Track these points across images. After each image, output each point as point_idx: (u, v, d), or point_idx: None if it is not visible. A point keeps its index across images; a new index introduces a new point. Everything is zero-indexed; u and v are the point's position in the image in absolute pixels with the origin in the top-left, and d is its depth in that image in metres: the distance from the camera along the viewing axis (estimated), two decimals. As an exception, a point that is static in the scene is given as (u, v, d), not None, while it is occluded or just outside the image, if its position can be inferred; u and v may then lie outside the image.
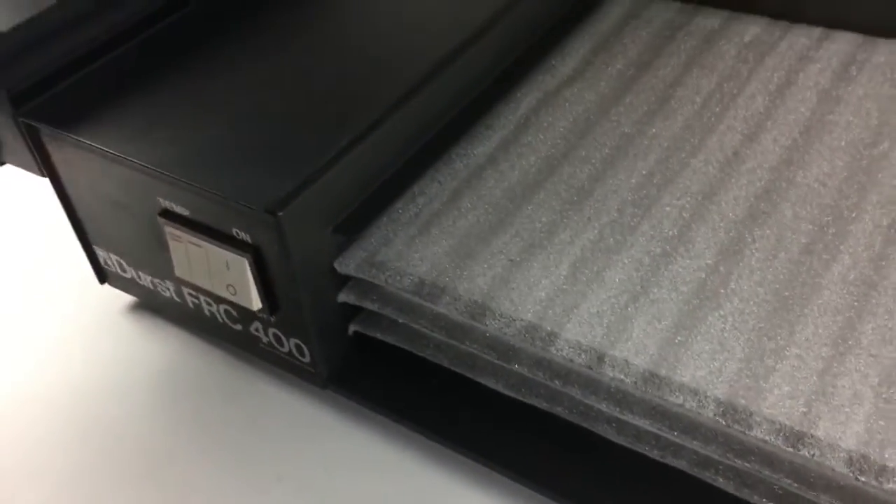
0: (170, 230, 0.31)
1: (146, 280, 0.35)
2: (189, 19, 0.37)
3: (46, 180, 0.34)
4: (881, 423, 0.23)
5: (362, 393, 0.32)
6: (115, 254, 0.35)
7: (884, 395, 0.24)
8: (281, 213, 0.27)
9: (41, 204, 0.43)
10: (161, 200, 0.30)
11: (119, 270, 0.36)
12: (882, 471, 0.22)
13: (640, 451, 0.26)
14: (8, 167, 0.35)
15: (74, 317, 0.38)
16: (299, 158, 0.29)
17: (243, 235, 0.29)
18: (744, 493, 0.25)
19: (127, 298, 0.38)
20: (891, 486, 0.22)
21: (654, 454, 0.26)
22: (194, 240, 0.30)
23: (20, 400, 0.35)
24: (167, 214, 0.31)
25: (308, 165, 0.28)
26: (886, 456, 0.22)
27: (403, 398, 0.31)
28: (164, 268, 0.33)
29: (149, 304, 0.38)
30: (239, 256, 0.29)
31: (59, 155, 0.33)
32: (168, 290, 0.35)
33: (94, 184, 0.33)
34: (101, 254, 0.36)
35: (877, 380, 0.24)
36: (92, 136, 0.31)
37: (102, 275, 0.37)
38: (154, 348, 0.36)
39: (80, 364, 0.36)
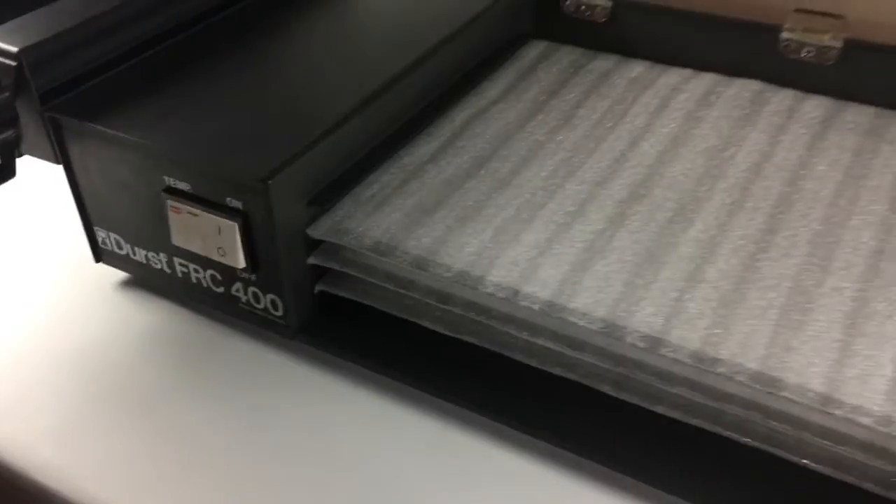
0: (171, 203, 0.38)
1: (140, 255, 0.42)
2: (196, 35, 0.45)
3: (50, 173, 0.41)
4: (718, 331, 0.31)
5: (325, 342, 0.39)
6: (115, 232, 0.42)
7: (720, 312, 0.32)
8: (270, 182, 0.35)
9: (41, 194, 0.49)
10: (166, 178, 0.38)
11: (116, 248, 0.43)
12: (714, 362, 0.30)
13: (545, 369, 0.34)
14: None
15: (72, 291, 0.44)
16: (283, 143, 0.37)
17: (235, 203, 0.36)
18: (622, 395, 0.33)
19: (119, 276, 0.45)
20: (722, 370, 0.30)
21: (556, 370, 0.34)
22: (193, 210, 0.37)
23: (28, 355, 0.41)
24: (170, 191, 0.38)
25: (290, 148, 0.36)
26: (721, 351, 0.31)
27: (360, 345, 0.38)
28: (159, 241, 0.40)
29: (139, 279, 0.44)
30: (230, 221, 0.37)
31: (76, 144, 0.40)
32: (160, 262, 0.41)
33: (105, 168, 0.40)
34: (100, 234, 0.43)
35: (715, 302, 0.32)
36: (110, 125, 0.38)
37: (98, 253, 0.44)
38: (143, 316, 0.43)
39: (79, 329, 0.42)
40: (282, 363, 0.40)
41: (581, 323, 0.32)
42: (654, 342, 0.31)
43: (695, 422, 0.32)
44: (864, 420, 0.28)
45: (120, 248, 0.43)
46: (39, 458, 0.36)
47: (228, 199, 0.36)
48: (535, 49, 0.50)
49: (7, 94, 0.38)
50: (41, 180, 0.50)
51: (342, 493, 0.34)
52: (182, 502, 0.34)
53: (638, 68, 0.47)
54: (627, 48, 0.48)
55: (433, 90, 0.45)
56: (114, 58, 0.42)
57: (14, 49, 0.38)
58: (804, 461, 0.30)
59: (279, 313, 0.39)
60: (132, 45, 0.43)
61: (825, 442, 0.30)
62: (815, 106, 0.43)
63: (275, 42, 0.45)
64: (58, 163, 0.41)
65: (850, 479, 0.30)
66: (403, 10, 0.48)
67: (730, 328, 0.31)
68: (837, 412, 0.28)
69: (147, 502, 0.34)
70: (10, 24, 0.40)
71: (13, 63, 0.38)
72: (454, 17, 0.46)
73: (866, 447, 0.29)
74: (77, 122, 0.39)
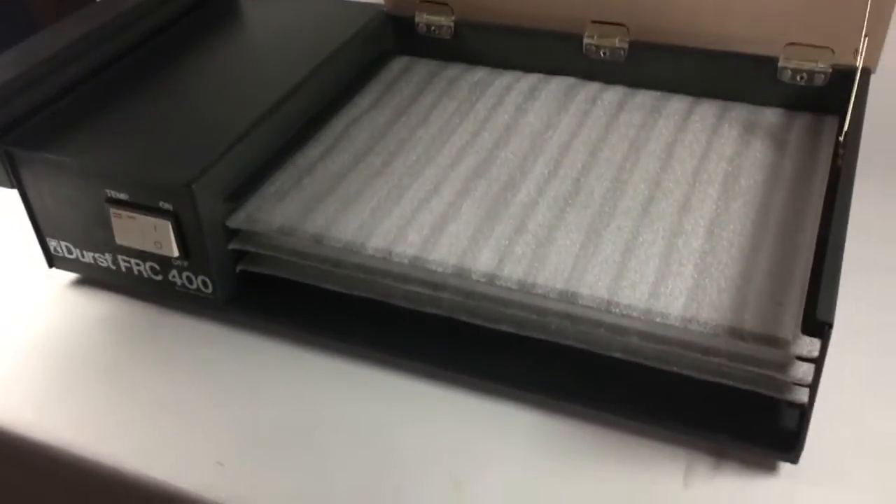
0: (114, 210, 0.48)
1: (88, 257, 0.51)
2: (120, 70, 0.55)
3: (13, 191, 0.50)
4: (536, 264, 0.43)
5: (248, 309, 0.49)
6: (65, 240, 0.51)
7: (538, 252, 0.44)
8: (193, 185, 0.45)
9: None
10: (107, 191, 0.47)
11: (66, 254, 0.52)
12: (534, 286, 0.42)
13: (417, 309, 0.45)
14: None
15: (32, 293, 0.53)
16: (200, 154, 0.47)
17: (167, 205, 0.46)
18: (474, 321, 0.44)
19: (70, 277, 0.54)
20: (539, 291, 0.42)
21: (427, 308, 0.45)
22: (132, 214, 0.47)
23: (11, 341, 0.50)
24: (111, 201, 0.48)
25: (207, 157, 0.46)
26: (538, 278, 0.42)
27: (275, 310, 0.49)
28: (104, 243, 0.50)
29: (88, 278, 0.53)
30: (164, 220, 0.46)
31: (28, 170, 0.49)
32: (106, 260, 0.51)
33: (53, 188, 0.49)
34: (52, 243, 0.52)
35: (534, 245, 0.44)
36: (56, 152, 0.48)
37: (51, 260, 0.53)
38: (95, 307, 0.52)
39: (42, 322, 0.51)
40: (214, 330, 0.50)
41: (439, 269, 0.44)
42: (491, 277, 0.43)
43: (526, 333, 0.44)
44: (634, 313, 0.40)
45: (70, 252, 0.52)
46: (24, 420, 0.46)
47: (161, 202, 0.46)
48: (398, 64, 0.61)
49: (-31, 134, 0.47)
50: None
51: (265, 417, 0.45)
52: (141, 442, 0.44)
53: (480, 73, 0.59)
54: (471, 58, 0.60)
55: (318, 104, 0.55)
56: (55, 94, 0.51)
57: (-28, 97, 0.47)
58: (616, 354, 0.42)
59: (209, 290, 0.49)
60: (69, 82, 0.52)
61: (617, 337, 0.42)
62: (613, 94, 0.56)
63: (184, 71, 0.56)
64: (13, 187, 0.50)
65: (637, 360, 0.42)
66: (286, 38, 0.59)
67: (544, 262, 0.43)
68: (615, 310, 0.41)
69: (114, 444, 0.44)
70: (-37, 78, 0.49)
71: (-28, 109, 0.47)
72: (329, 41, 0.57)
73: (643, 335, 0.41)
74: (28, 152, 0.48)
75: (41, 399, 0.47)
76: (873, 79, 0.51)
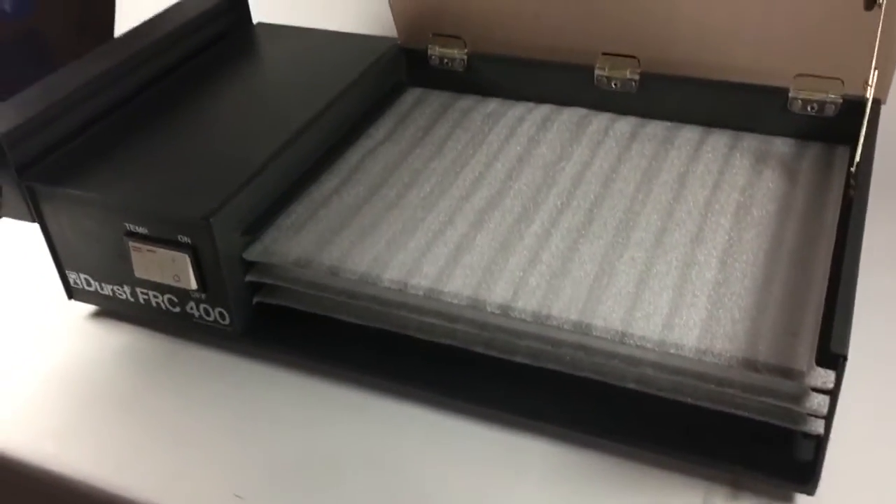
0: (133, 244, 0.48)
1: (107, 289, 0.52)
2: (137, 106, 0.56)
3: (34, 225, 0.51)
4: (550, 296, 0.43)
5: (264, 340, 0.50)
6: (84, 273, 0.52)
7: (552, 283, 0.44)
8: (212, 220, 0.45)
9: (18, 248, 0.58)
10: (127, 225, 0.48)
11: (85, 286, 0.53)
12: (548, 318, 0.42)
13: (432, 340, 0.46)
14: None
15: (51, 324, 0.54)
16: (218, 188, 0.47)
17: (185, 239, 0.47)
18: (489, 352, 0.45)
19: (89, 308, 0.55)
20: (553, 322, 0.42)
21: (441, 340, 0.45)
22: (151, 247, 0.48)
23: (22, 377, 0.51)
24: (131, 234, 0.48)
25: (224, 192, 0.47)
26: (552, 310, 0.43)
27: (291, 340, 0.49)
28: (122, 276, 0.50)
29: (107, 310, 0.54)
30: (182, 254, 0.47)
31: (49, 205, 0.50)
32: (125, 293, 0.52)
33: (74, 222, 0.50)
34: (72, 276, 0.53)
35: (548, 276, 0.45)
36: (77, 187, 0.48)
37: (70, 292, 0.54)
38: (114, 338, 0.53)
39: (62, 353, 0.52)
40: (231, 361, 0.51)
41: (454, 301, 0.44)
42: (506, 309, 0.43)
43: (541, 364, 0.44)
44: (648, 345, 0.41)
45: (89, 285, 0.53)
46: (45, 452, 0.46)
47: (179, 236, 0.47)
48: (411, 96, 0.62)
49: (-8, 170, 0.48)
50: (18, 236, 0.59)
51: (283, 449, 0.45)
52: (159, 474, 0.44)
53: (492, 105, 0.60)
54: (484, 89, 0.61)
55: (332, 136, 0.56)
56: (74, 130, 0.52)
57: (-4, 134, 0.48)
58: (631, 385, 0.43)
59: (226, 322, 0.50)
60: (88, 118, 0.53)
61: (631, 368, 0.42)
62: (624, 124, 0.56)
63: (202, 105, 0.57)
64: (34, 221, 0.51)
65: (651, 391, 0.42)
66: (301, 72, 0.60)
67: (558, 294, 0.44)
68: (629, 342, 0.41)
69: (132, 476, 0.44)
70: (-14, 115, 0.50)
71: (-4, 146, 0.48)
72: (343, 75, 0.58)
73: (657, 366, 0.42)
74: (50, 187, 0.49)
75: (61, 431, 0.47)
76: (883, 109, 0.52)
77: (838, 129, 0.52)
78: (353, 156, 0.56)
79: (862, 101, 0.50)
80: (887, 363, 0.47)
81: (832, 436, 0.38)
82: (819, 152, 0.53)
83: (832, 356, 0.35)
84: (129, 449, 0.46)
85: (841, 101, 0.52)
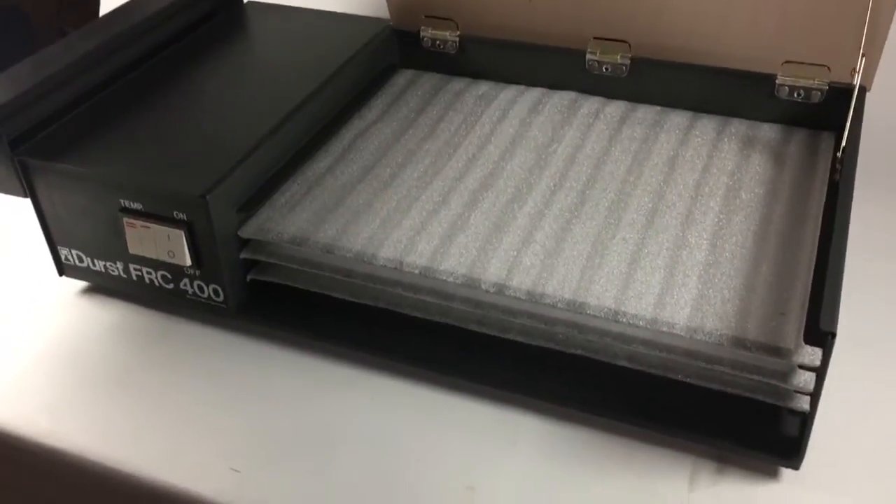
0: (127, 220, 0.48)
1: (99, 265, 0.52)
2: (131, 82, 0.56)
3: (25, 200, 0.51)
4: (544, 275, 0.44)
5: (258, 317, 0.50)
6: (76, 249, 0.52)
7: (546, 262, 0.45)
8: (208, 196, 0.46)
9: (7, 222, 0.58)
10: (122, 201, 0.48)
11: (77, 262, 0.53)
12: (542, 296, 0.43)
13: (428, 318, 0.46)
14: (-7, 195, 0.51)
15: (43, 301, 0.54)
16: (214, 165, 0.48)
17: (181, 215, 0.47)
18: (483, 330, 0.45)
19: (80, 285, 0.55)
20: (547, 301, 0.43)
21: (436, 318, 0.46)
22: (146, 223, 0.48)
23: (15, 354, 0.51)
24: (125, 210, 0.48)
25: (220, 169, 0.47)
26: (546, 288, 0.43)
27: (285, 318, 0.50)
28: (115, 252, 0.50)
29: (98, 286, 0.54)
30: (177, 230, 0.47)
31: (42, 180, 0.50)
32: (117, 269, 0.52)
33: (66, 198, 0.50)
34: (63, 252, 0.53)
35: (542, 255, 0.45)
36: (71, 162, 0.48)
37: (62, 268, 0.54)
38: (106, 314, 0.53)
39: (54, 329, 0.52)
40: (225, 338, 0.51)
41: (449, 280, 0.45)
42: (500, 287, 0.44)
43: (535, 342, 0.45)
44: (640, 323, 0.41)
45: (81, 261, 0.52)
46: (40, 428, 0.46)
47: (175, 212, 0.47)
48: (403, 77, 0.62)
49: (-16, 144, 0.48)
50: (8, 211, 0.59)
51: (279, 424, 0.45)
52: (156, 449, 0.45)
53: (484, 87, 0.60)
54: (475, 72, 0.61)
55: (325, 116, 0.56)
56: (66, 105, 0.52)
57: (-12, 109, 0.48)
58: (622, 363, 0.44)
59: (220, 299, 0.50)
60: (80, 94, 0.53)
61: (623, 346, 0.43)
62: (615, 108, 0.57)
63: (196, 82, 0.57)
64: (25, 196, 0.51)
65: (642, 368, 0.43)
66: (295, 51, 0.60)
67: (552, 273, 0.44)
68: (622, 320, 0.42)
69: (129, 451, 0.45)
70: (-22, 89, 0.49)
71: (-12, 120, 0.48)
72: (336, 56, 0.58)
73: (648, 344, 0.42)
74: (42, 162, 0.49)
75: (55, 406, 0.47)
76: (868, 95, 0.53)
77: (824, 115, 0.53)
78: (346, 135, 0.56)
79: (848, 88, 0.51)
80: (873, 342, 0.48)
81: (819, 413, 0.39)
82: (805, 138, 0.54)
83: (821, 333, 0.36)
84: (123, 424, 0.46)
85: (827, 87, 0.53)
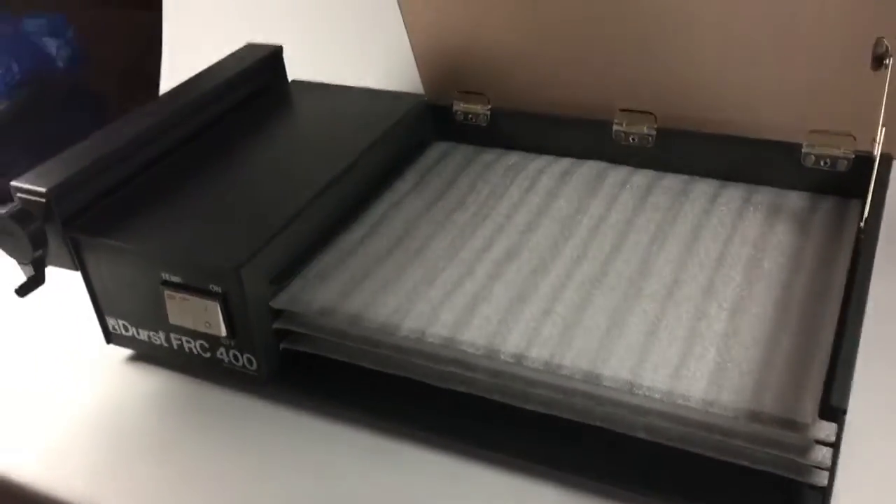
0: (168, 292, 0.51)
1: (143, 335, 0.55)
2: (174, 161, 0.59)
3: (77, 273, 0.54)
4: (562, 346, 0.45)
5: (289, 386, 0.52)
6: (122, 318, 0.55)
7: (565, 334, 0.46)
8: (241, 270, 0.48)
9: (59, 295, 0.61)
10: (163, 274, 0.51)
11: (123, 331, 0.55)
12: (559, 367, 0.44)
13: (450, 388, 0.47)
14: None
15: (90, 367, 0.57)
16: (248, 240, 0.50)
17: (216, 288, 0.49)
18: (505, 400, 0.46)
19: (126, 353, 0.57)
20: (564, 372, 0.43)
21: (459, 388, 0.47)
22: (185, 296, 0.50)
23: (60, 417, 0.53)
24: (166, 283, 0.51)
25: (254, 243, 0.50)
26: (564, 360, 0.44)
27: (316, 387, 0.51)
28: (157, 322, 0.53)
29: (142, 355, 0.57)
30: (213, 301, 0.50)
31: (91, 254, 0.53)
32: (160, 338, 0.54)
33: (113, 271, 0.53)
34: (111, 321, 0.55)
35: (561, 327, 0.46)
36: (117, 238, 0.51)
37: (109, 336, 0.57)
38: (148, 382, 0.55)
39: (99, 395, 0.55)
40: (257, 405, 0.53)
41: (470, 350, 0.46)
42: (519, 358, 0.45)
43: (553, 412, 0.45)
44: (656, 395, 0.42)
45: (126, 330, 0.55)
46: (75, 491, 0.48)
47: (211, 285, 0.49)
48: (437, 150, 0.64)
49: (39, 223, 0.51)
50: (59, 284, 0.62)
51: (301, 490, 0.47)
52: (192, 513, 0.47)
53: (514, 158, 0.62)
54: (507, 143, 0.63)
55: (360, 189, 0.59)
56: (116, 183, 0.56)
57: (43, 189, 0.51)
58: (640, 434, 0.44)
59: (253, 368, 0.52)
60: (130, 172, 0.57)
61: (640, 418, 0.43)
62: (641, 178, 0.58)
63: (239, 159, 0.60)
64: (76, 270, 0.54)
65: (660, 440, 0.43)
66: (332, 127, 0.63)
67: (570, 344, 0.45)
68: (638, 392, 0.42)
69: (165, 516, 0.47)
70: (36, 170, 0.53)
71: (43, 200, 0.51)
72: (371, 131, 0.61)
73: (665, 416, 0.43)
74: (91, 238, 0.52)
75: (92, 470, 0.50)
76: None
77: (851, 183, 0.53)
78: (378, 208, 0.58)
79: (873, 157, 0.51)
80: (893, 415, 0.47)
81: (842, 487, 0.39)
82: (832, 206, 0.54)
83: (832, 410, 0.36)
84: (155, 488, 0.48)
85: (853, 156, 0.53)
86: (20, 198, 0.51)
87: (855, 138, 0.52)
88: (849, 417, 0.45)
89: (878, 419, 0.46)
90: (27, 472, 0.50)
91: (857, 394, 0.47)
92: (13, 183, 0.52)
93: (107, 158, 0.55)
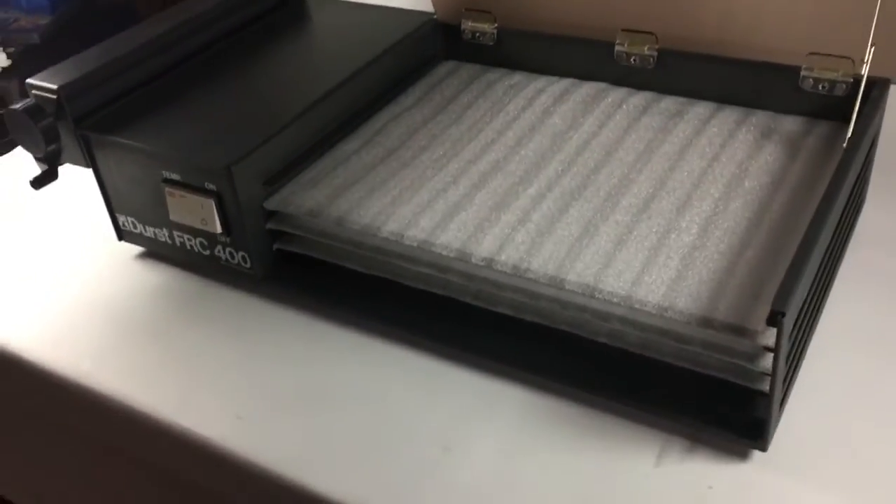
0: (168, 190, 0.53)
1: (150, 231, 0.58)
2: (182, 71, 0.61)
3: (89, 171, 0.57)
4: (533, 251, 0.46)
5: (282, 284, 0.54)
6: (131, 216, 0.58)
7: (536, 240, 0.47)
8: (233, 169, 0.50)
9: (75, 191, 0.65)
10: (163, 172, 0.53)
11: (132, 228, 0.58)
12: (526, 271, 0.45)
13: (427, 289, 0.49)
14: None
15: (103, 261, 0.60)
16: (243, 141, 0.52)
17: (211, 186, 0.52)
18: (477, 303, 0.48)
19: (137, 249, 0.60)
20: (531, 276, 0.45)
21: (436, 290, 0.49)
22: (182, 193, 0.53)
23: (73, 305, 0.57)
24: (167, 181, 0.53)
25: (248, 145, 0.52)
26: (532, 264, 0.45)
27: (306, 286, 0.54)
28: (162, 219, 0.56)
29: (150, 251, 0.60)
30: (208, 199, 0.52)
31: (100, 152, 0.56)
32: (164, 235, 0.57)
33: (121, 168, 0.55)
34: (121, 218, 0.58)
35: (534, 233, 0.47)
36: (123, 136, 0.54)
37: (120, 233, 0.60)
38: (156, 276, 0.58)
39: (109, 287, 0.58)
40: (250, 302, 0.55)
41: (444, 253, 0.47)
42: (489, 261, 0.46)
43: (521, 316, 0.47)
44: (615, 300, 0.43)
45: (135, 227, 0.58)
46: (81, 370, 0.52)
47: (206, 183, 0.52)
48: (444, 68, 0.65)
49: (51, 118, 0.54)
50: (74, 181, 0.65)
51: (284, 380, 0.49)
52: (175, 395, 0.49)
53: (517, 77, 0.62)
54: (512, 63, 0.64)
55: (361, 101, 0.60)
56: (130, 87, 0.58)
57: (54, 86, 0.54)
58: (602, 339, 0.45)
59: (248, 266, 0.54)
60: (141, 78, 0.59)
61: (602, 323, 0.44)
62: (639, 99, 0.58)
63: (247, 68, 0.62)
64: (88, 167, 0.57)
65: (621, 345, 0.44)
66: (341, 41, 0.64)
67: (540, 249, 0.46)
68: (599, 296, 0.43)
69: (153, 395, 0.50)
70: (49, 70, 0.56)
71: (54, 97, 0.54)
72: (377, 45, 0.62)
73: (625, 322, 0.44)
74: (100, 135, 0.55)
75: (97, 352, 0.53)
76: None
77: (849, 108, 0.52)
78: (379, 120, 0.59)
79: (875, 81, 0.50)
80: (871, 338, 0.47)
81: (804, 401, 0.40)
82: (827, 131, 0.53)
83: (772, 314, 0.37)
84: (152, 371, 0.51)
85: (851, 80, 0.52)
86: (34, 94, 0.54)
87: (854, 62, 0.51)
88: (820, 338, 0.46)
89: (844, 337, 0.46)
90: (39, 351, 0.54)
91: (829, 315, 0.48)
92: (28, 80, 0.55)
93: (121, 61, 0.58)
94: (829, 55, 0.52)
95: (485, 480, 0.43)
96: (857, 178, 0.50)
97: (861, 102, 0.49)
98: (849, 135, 0.47)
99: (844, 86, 0.52)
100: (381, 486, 0.43)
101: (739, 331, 0.40)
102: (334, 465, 0.44)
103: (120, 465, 0.57)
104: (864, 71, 0.48)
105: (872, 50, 0.47)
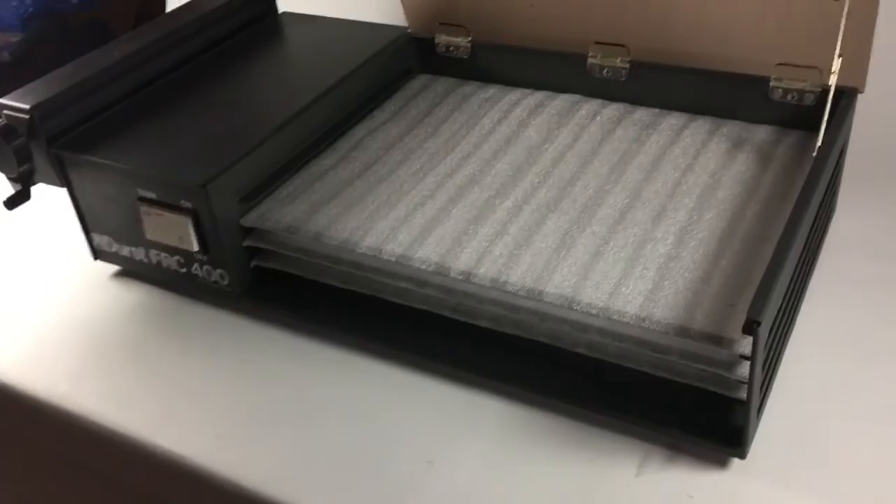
0: (144, 208, 0.53)
1: (126, 251, 0.57)
2: (156, 89, 0.61)
3: (63, 190, 0.57)
4: (511, 264, 0.46)
5: (260, 301, 0.54)
6: (106, 235, 0.57)
7: (514, 253, 0.47)
8: (209, 187, 0.50)
9: (49, 211, 0.64)
10: (139, 190, 0.53)
11: (107, 247, 0.58)
12: (505, 284, 0.45)
13: (405, 304, 0.49)
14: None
15: (78, 281, 0.60)
16: (218, 159, 0.52)
17: (187, 204, 0.52)
18: (455, 316, 0.48)
19: (112, 268, 0.60)
20: (509, 289, 0.45)
21: (415, 304, 0.49)
22: (159, 211, 0.52)
23: (48, 326, 0.56)
24: (142, 199, 0.53)
25: (223, 162, 0.52)
26: (511, 277, 0.45)
27: (284, 302, 0.53)
28: (137, 238, 0.55)
29: (126, 271, 0.59)
30: (185, 217, 0.52)
31: (75, 171, 0.55)
32: (140, 254, 0.57)
33: (96, 187, 0.55)
34: (96, 238, 0.58)
35: (512, 247, 0.47)
36: (98, 156, 0.54)
37: (96, 253, 0.59)
38: (132, 296, 0.58)
39: (85, 307, 0.58)
40: (229, 319, 0.55)
41: (422, 267, 0.47)
42: (467, 275, 0.46)
43: (501, 328, 0.47)
44: (593, 311, 0.43)
45: (111, 246, 0.58)
46: (58, 392, 0.51)
47: (182, 200, 0.52)
48: (419, 82, 0.65)
49: (23, 139, 0.54)
50: (48, 201, 0.65)
51: (264, 398, 0.49)
52: (153, 415, 0.49)
53: (491, 90, 0.63)
54: (486, 76, 0.64)
55: (337, 116, 0.60)
56: (104, 105, 0.58)
57: (27, 106, 0.53)
58: (581, 350, 0.45)
59: (226, 283, 0.54)
60: (114, 96, 0.59)
61: (581, 334, 0.45)
62: (613, 110, 0.58)
63: (221, 85, 0.62)
64: (62, 186, 0.56)
65: (600, 356, 0.45)
66: (316, 56, 0.64)
67: (518, 262, 0.46)
68: (577, 308, 0.43)
69: (129, 415, 0.49)
70: (21, 90, 0.56)
71: (26, 117, 0.53)
72: (351, 60, 0.62)
73: (603, 333, 0.44)
74: (74, 154, 0.54)
75: (75, 374, 0.53)
76: (874, 100, 0.53)
77: (818, 118, 0.53)
78: (355, 135, 0.59)
79: (843, 90, 0.51)
80: (849, 344, 0.48)
81: (783, 408, 0.40)
82: (796, 140, 0.54)
83: (747, 322, 0.37)
84: (130, 392, 0.51)
85: (819, 90, 0.53)
86: (6, 115, 0.54)
87: (822, 72, 0.52)
88: (795, 345, 0.46)
89: (819, 343, 0.47)
90: (15, 372, 0.53)
91: (804, 321, 0.49)
92: None
93: (94, 79, 0.58)
94: (798, 66, 0.53)
95: (469, 493, 0.43)
96: (828, 186, 0.51)
97: (829, 112, 0.50)
98: (818, 144, 0.48)
99: (813, 95, 0.53)
100: (364, 502, 0.43)
101: (716, 340, 0.40)
102: (316, 483, 0.44)
103: (98, 488, 0.56)
104: (832, 81, 0.49)
105: (840, 60, 0.48)
